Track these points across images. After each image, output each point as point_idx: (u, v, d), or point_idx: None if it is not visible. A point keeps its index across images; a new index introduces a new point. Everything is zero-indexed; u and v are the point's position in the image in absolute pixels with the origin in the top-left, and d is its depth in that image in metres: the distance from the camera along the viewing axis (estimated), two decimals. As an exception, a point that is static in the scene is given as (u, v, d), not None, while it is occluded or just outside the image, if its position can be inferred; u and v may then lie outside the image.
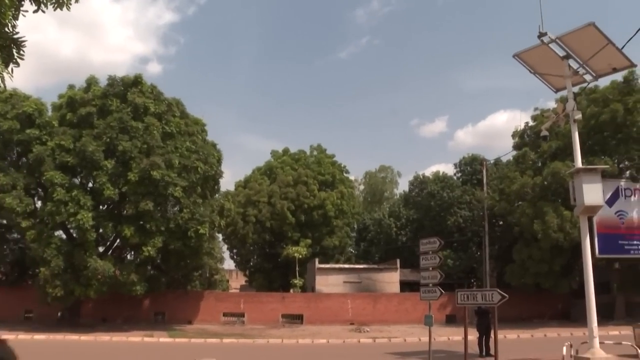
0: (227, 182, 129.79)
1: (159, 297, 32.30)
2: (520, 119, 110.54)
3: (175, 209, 28.46)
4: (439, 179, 45.19)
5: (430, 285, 13.61)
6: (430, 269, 13.63)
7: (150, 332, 26.27)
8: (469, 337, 16.65)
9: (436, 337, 21.13)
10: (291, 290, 38.78)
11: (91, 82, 28.95)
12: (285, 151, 48.90)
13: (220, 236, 43.52)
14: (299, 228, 42.43)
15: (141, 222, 26.94)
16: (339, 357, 17.77)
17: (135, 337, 24.72)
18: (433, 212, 42.37)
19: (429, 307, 13.93)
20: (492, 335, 14.23)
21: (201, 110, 48.39)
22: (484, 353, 16.74)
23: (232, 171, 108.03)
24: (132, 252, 30.03)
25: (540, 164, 33.38)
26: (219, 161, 31.66)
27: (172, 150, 27.78)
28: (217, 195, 33.97)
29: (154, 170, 25.66)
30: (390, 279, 38.34)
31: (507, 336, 24.01)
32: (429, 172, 50.52)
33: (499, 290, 10.81)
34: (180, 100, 30.63)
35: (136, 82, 28.63)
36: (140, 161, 26.05)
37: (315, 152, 49.00)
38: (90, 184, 28.12)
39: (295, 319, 33.99)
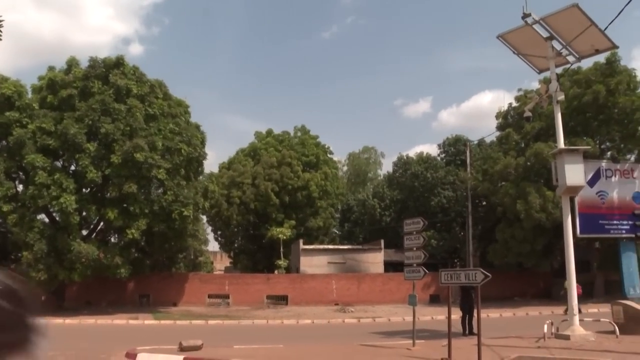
0: (211, 164, 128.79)
1: (144, 280, 32.26)
2: (504, 99, 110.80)
3: (159, 191, 28.33)
4: (423, 159, 45.43)
5: (414, 265, 13.72)
6: (414, 249, 13.72)
7: (135, 315, 26.25)
8: (453, 316, 16.91)
9: (420, 316, 21.24)
10: (276, 272, 38.91)
11: (72, 63, 28.49)
12: (269, 132, 48.78)
13: (204, 218, 43.53)
14: (283, 209, 42.47)
15: (125, 205, 26.77)
16: (324, 338, 17.89)
17: (120, 320, 24.71)
18: (417, 192, 42.64)
19: (412, 287, 14.04)
20: (475, 314, 14.38)
21: (184, 92, 48.14)
22: (467, 332, 16.96)
23: (216, 153, 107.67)
24: (116, 235, 29.88)
25: (523, 145, 33.59)
26: (203, 143, 31.50)
27: (155, 132, 27.54)
28: (201, 177, 33.85)
29: (137, 153, 25.46)
30: (374, 260, 38.62)
31: (489, 315, 24.31)
32: (412, 152, 50.99)
33: (482, 269, 10.90)
34: (163, 81, 30.35)
35: (118, 63, 28.26)
36: (123, 143, 25.82)
37: (299, 133, 48.95)
38: (72, 167, 27.85)
39: (280, 300, 34.16)
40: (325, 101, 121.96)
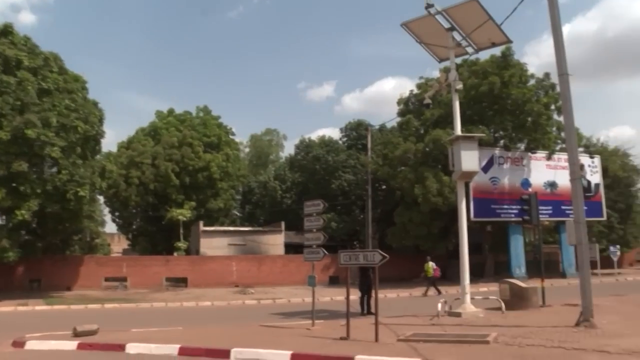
0: (110, 143, 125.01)
1: (35, 264, 30.76)
2: (406, 86, 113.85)
3: (53, 170, 26.91)
4: (325, 143, 45.96)
5: (314, 246, 13.93)
6: (314, 230, 13.90)
7: (25, 301, 24.89)
8: (352, 297, 17.32)
9: (320, 297, 21.69)
10: (175, 254, 38.32)
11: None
12: (171, 112, 47.64)
13: (101, 199, 42.01)
14: (183, 190, 41.74)
15: (14, 184, 25.26)
16: (224, 319, 17.85)
17: (6, 307, 23.03)
18: (318, 175, 43.11)
19: (312, 268, 14.27)
20: (373, 294, 14.81)
21: (82, 67, 46.17)
22: (365, 311, 17.46)
23: (115, 132, 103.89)
24: (4, 217, 28.19)
25: (422, 131, 34.60)
26: (101, 121, 30.28)
27: (49, 108, 26.09)
28: (98, 156, 32.62)
29: (28, 129, 24.14)
30: (275, 242, 38.85)
31: (387, 295, 25.12)
32: (315, 136, 51.39)
33: (380, 251, 11.25)
34: (59, 55, 28.84)
35: (6, 31, 26.50)
36: (13, 119, 24.38)
37: (201, 114, 48.14)
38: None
39: (180, 282, 33.76)
40: (229, 82, 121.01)
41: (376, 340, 10.94)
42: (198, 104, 58.07)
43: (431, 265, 26.31)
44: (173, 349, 10.85)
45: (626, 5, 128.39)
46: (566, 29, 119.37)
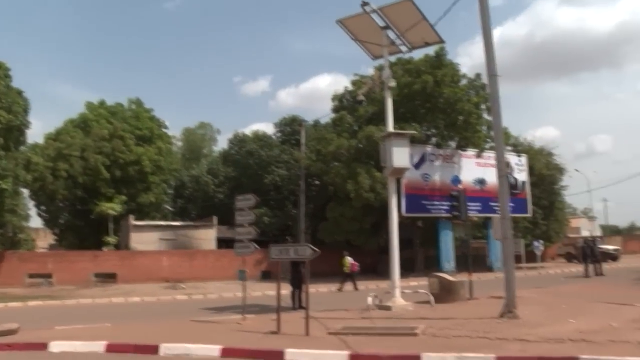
0: (36, 134, 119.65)
1: (-50, 261, 29.20)
2: (342, 83, 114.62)
3: (-28, 161, 25.85)
4: (259, 138, 45.78)
5: (245, 241, 13.90)
6: (246, 225, 13.88)
7: None
8: (283, 292, 17.37)
9: (252, 292, 21.48)
10: (104, 249, 37.35)
11: None
12: (102, 103, 46.23)
13: (25, 192, 40.45)
14: (113, 184, 40.61)
15: None
16: (154, 315, 17.56)
17: None
18: (251, 170, 42.88)
19: (243, 262, 14.24)
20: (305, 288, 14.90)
21: (5, 54, 44.26)
22: (297, 306, 17.54)
23: (43, 123, 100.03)
24: None
25: (356, 128, 34.84)
26: (26, 111, 29.19)
27: (-32, 96, 25.04)
28: (23, 147, 31.44)
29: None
30: (207, 236, 38.48)
31: (319, 290, 25.23)
32: (249, 130, 50.95)
33: (311, 245, 11.37)
34: (-21, 41, 27.60)
35: None
36: None
37: (133, 106, 46.92)
38: None
39: (109, 278, 32.92)
40: (163, 74, 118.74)
41: (307, 334, 11.03)
42: (130, 96, 56.54)
43: (348, 260, 26.51)
44: (100, 346, 10.58)
45: (552, 14, 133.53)
46: (498, 32, 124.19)
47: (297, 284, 17.68)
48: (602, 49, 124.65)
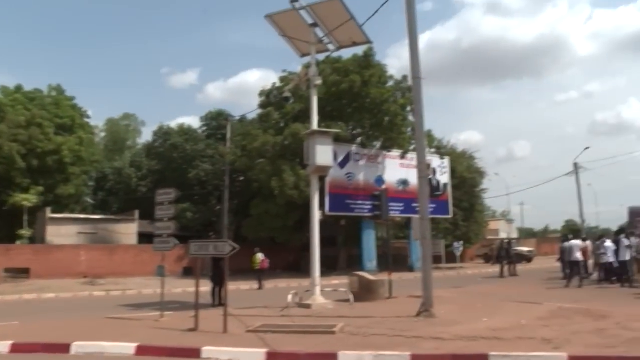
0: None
1: None
2: (271, 79, 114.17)
3: None
4: (184, 131, 45.11)
5: (164, 235, 13.61)
6: (165, 219, 13.59)
7: None
8: (204, 288, 17.12)
9: (172, 289, 21.24)
10: (17, 242, 35.73)
11: None
12: (19, 88, 44.34)
13: None
14: (29, 174, 38.94)
15: None
16: (68, 312, 16.89)
17: None
18: (175, 164, 42.18)
19: (162, 258, 13.92)
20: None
21: None
22: (216, 302, 17.31)
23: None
24: None
25: (283, 125, 34.79)
26: None
27: None
28: None
29: None
30: (128, 231, 37.59)
31: (241, 287, 25.08)
32: (174, 123, 49.97)
33: (230, 241, 11.25)
34: None
35: None
36: None
37: (53, 93, 45.27)
38: None
39: (21, 273, 31.49)
40: (88, 61, 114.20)
41: (225, 331, 10.93)
42: (51, 82, 54.29)
43: (259, 257, 26.34)
44: (4, 346, 9.99)
45: (478, 22, 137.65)
46: (426, 36, 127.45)
47: (218, 280, 17.44)
48: (524, 59, 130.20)
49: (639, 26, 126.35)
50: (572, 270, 21.97)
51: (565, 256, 22.71)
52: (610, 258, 21.17)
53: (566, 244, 22.93)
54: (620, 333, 10.04)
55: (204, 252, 11.95)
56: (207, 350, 9.12)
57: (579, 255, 22.00)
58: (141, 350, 9.47)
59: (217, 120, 45.35)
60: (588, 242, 24.59)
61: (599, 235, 26.70)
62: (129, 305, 18.75)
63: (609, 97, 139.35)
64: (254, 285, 26.14)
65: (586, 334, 10.09)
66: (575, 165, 47.90)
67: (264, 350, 9.03)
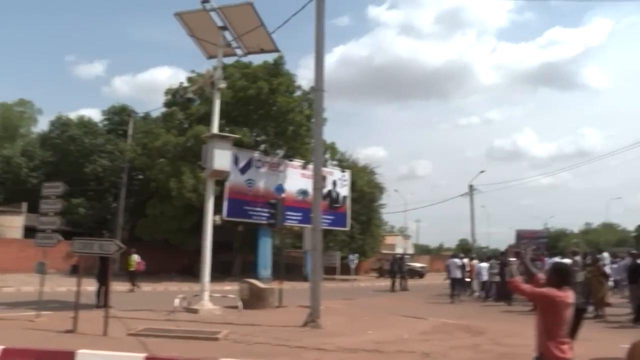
0: None
1: None
2: (181, 78, 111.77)
3: None
4: (84, 123, 43.27)
5: (48, 231, 13.03)
6: (51, 214, 13.03)
7: None
8: (92, 288, 16.52)
9: (57, 287, 20.34)
10: None
11: None
12: None
13: None
14: None
15: None
16: None
17: None
18: (72, 157, 40.41)
19: (44, 254, 13.28)
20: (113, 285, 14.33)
21: None
22: (101, 303, 16.71)
23: None
24: None
25: (187, 125, 34.12)
26: None
27: None
28: None
29: None
30: (13, 223, 35.61)
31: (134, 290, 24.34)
32: (75, 114, 47.92)
33: (117, 241, 10.98)
34: None
35: None
36: None
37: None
38: None
39: None
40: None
41: (105, 333, 10.62)
42: None
43: (134, 258, 25.40)
44: None
45: (391, 41, 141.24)
46: (340, 50, 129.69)
47: (104, 280, 16.87)
48: (432, 81, 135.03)
49: (536, 62, 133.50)
50: (452, 287, 23.15)
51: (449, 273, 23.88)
52: (484, 277, 23.15)
53: (448, 262, 24.22)
54: (492, 348, 10.60)
55: (89, 250, 11.54)
56: (81, 354, 8.69)
57: (458, 273, 23.42)
58: (8, 354, 8.85)
59: (120, 115, 43.90)
60: (474, 262, 25.81)
61: (487, 256, 28.02)
62: (4, 303, 17.68)
63: (507, 125, 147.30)
64: (146, 287, 25.40)
65: (462, 348, 10.57)
66: (471, 187, 50.19)
67: (142, 355, 8.71)
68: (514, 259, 6.96)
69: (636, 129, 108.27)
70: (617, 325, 15.08)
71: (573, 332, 4.87)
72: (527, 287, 5.00)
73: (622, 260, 20.37)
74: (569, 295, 4.70)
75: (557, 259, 19.48)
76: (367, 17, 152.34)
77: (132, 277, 24.75)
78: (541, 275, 4.98)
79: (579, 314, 4.90)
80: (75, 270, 32.09)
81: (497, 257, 23.62)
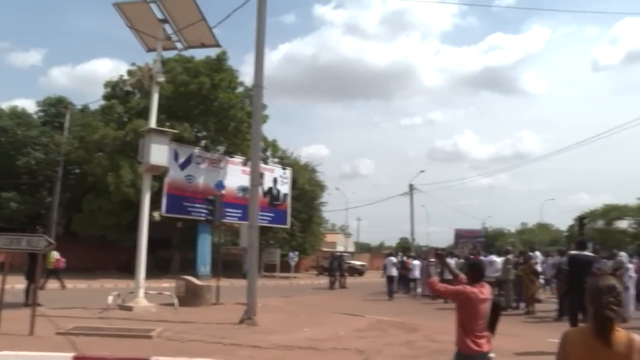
0: None
1: None
2: (123, 70, 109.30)
3: None
4: (17, 114, 41.76)
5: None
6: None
7: None
8: (21, 285, 16.01)
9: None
10: None
11: None
12: None
13: None
14: None
15: None
16: None
17: None
18: (3, 149, 38.93)
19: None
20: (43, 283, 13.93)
21: None
22: (30, 301, 16.21)
23: None
24: None
25: (126, 119, 33.44)
26: None
27: None
28: None
29: None
30: None
31: (69, 286, 23.65)
32: (7, 104, 46.11)
33: (46, 236, 10.64)
34: None
35: None
36: None
37: None
38: None
39: None
40: None
41: (31, 333, 10.28)
42: None
43: (54, 254, 24.55)
44: None
45: (336, 40, 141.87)
46: (286, 47, 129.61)
47: (33, 277, 16.36)
48: (376, 81, 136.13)
49: (478, 66, 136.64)
50: (389, 284, 23.59)
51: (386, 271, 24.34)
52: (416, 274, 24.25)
53: (385, 260, 24.71)
54: (426, 345, 10.79)
55: (16, 246, 11.14)
56: (4, 356, 8.42)
57: (393, 271, 24.01)
58: None
59: (56, 107, 42.51)
60: (410, 259, 26.37)
61: (420, 255, 28.56)
62: None
63: (448, 126, 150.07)
64: (79, 284, 24.80)
65: (397, 345, 10.72)
66: (411, 186, 50.95)
67: (70, 355, 8.49)
68: (433, 260, 7.17)
69: (570, 134, 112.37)
70: (546, 320, 15.63)
71: (492, 327, 4.99)
72: (441, 285, 5.24)
73: (552, 258, 21.05)
74: (484, 291, 4.84)
75: (493, 257, 20.19)
76: (313, 15, 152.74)
77: (51, 274, 23.58)
78: (463, 276, 5.13)
79: (496, 309, 5.02)
80: (2, 267, 31.15)
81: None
